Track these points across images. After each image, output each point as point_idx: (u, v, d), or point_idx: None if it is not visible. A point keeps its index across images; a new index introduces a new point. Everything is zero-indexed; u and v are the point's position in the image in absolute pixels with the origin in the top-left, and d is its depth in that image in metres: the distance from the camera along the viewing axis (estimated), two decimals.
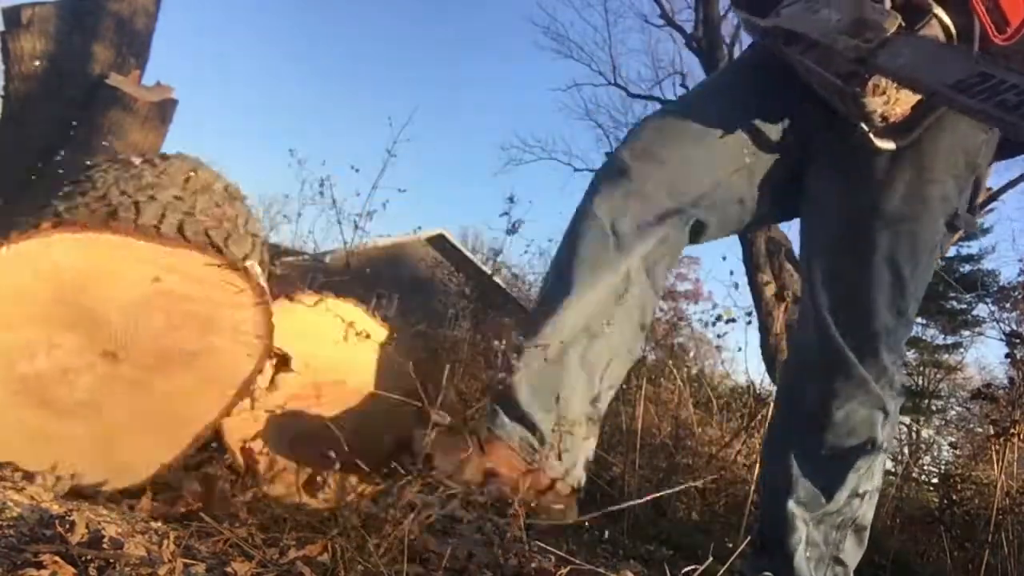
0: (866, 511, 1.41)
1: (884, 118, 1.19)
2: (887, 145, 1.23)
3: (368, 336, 1.63)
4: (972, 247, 20.43)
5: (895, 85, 1.15)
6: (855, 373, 1.33)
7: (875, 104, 1.17)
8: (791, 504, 1.38)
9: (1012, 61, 1.10)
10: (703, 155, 1.38)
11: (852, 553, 1.42)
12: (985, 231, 20.24)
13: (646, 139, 1.42)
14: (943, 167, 1.33)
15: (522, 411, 1.31)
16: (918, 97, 1.18)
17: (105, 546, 0.93)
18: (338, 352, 1.61)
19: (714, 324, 4.45)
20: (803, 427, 1.42)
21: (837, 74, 1.18)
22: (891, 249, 1.33)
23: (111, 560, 0.90)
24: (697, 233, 1.44)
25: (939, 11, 1.12)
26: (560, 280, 1.36)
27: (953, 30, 1.14)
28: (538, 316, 1.36)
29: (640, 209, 1.35)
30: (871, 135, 1.22)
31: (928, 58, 1.06)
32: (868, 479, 1.39)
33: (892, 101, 1.18)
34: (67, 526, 0.94)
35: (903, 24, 1.10)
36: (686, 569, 1.29)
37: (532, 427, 1.31)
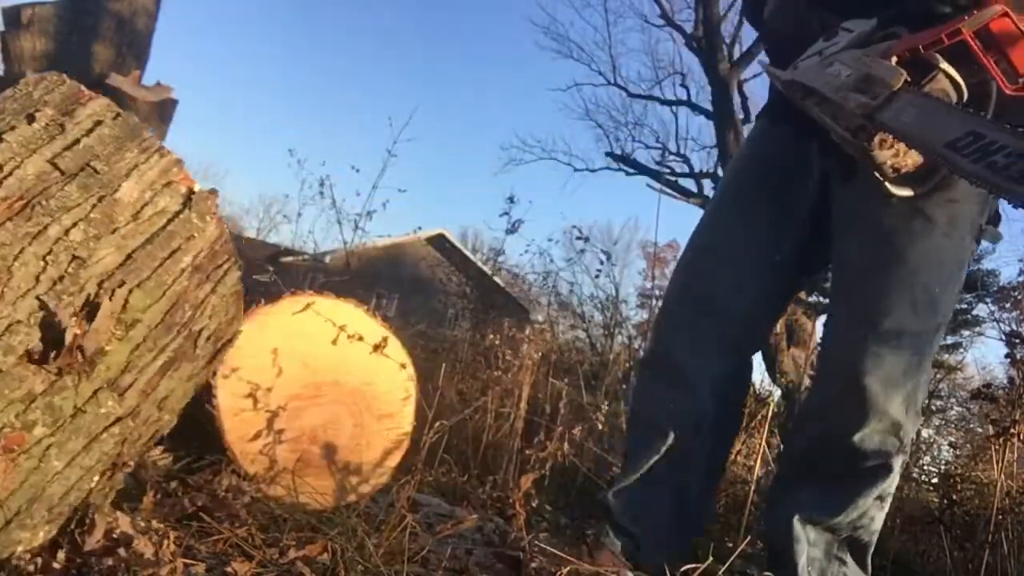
0: (874, 523, 1.40)
1: (895, 169, 1.20)
2: (904, 192, 1.23)
3: (361, 339, 1.63)
4: None
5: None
6: (873, 398, 1.32)
7: (884, 157, 1.18)
8: (796, 521, 1.39)
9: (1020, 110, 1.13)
10: (735, 280, 1.47)
11: (853, 566, 1.42)
12: None
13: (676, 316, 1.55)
14: (968, 187, 1.30)
15: (620, 524, 1.52)
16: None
17: (117, 537, 0.93)
18: (337, 352, 1.61)
19: None
20: (818, 450, 1.41)
21: (847, 128, 1.21)
22: (920, 270, 1.33)
23: (123, 562, 0.91)
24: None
25: (945, 66, 1.13)
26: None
27: (963, 84, 1.15)
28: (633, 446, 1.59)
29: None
30: (886, 184, 1.23)
31: (928, 117, 1.08)
32: (879, 494, 1.38)
33: (902, 154, 1.19)
34: (88, 527, 0.94)
35: (908, 80, 1.12)
36: (685, 568, 1.29)
37: (631, 536, 1.51)
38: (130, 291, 0.94)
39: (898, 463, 1.37)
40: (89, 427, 0.92)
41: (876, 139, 1.17)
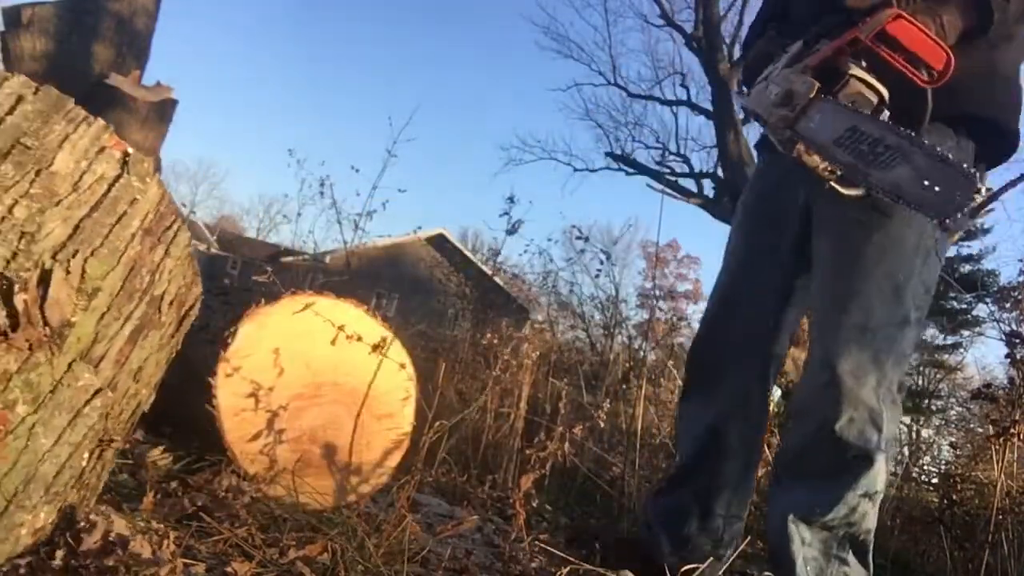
0: (867, 520, 1.42)
1: (830, 172, 1.26)
2: (853, 192, 1.29)
3: (360, 339, 1.63)
4: (972, 247, 20.43)
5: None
6: (846, 386, 1.37)
7: (814, 162, 1.25)
8: (790, 520, 1.41)
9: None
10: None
11: (855, 565, 1.43)
12: (985, 231, 20.27)
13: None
14: None
15: (651, 525, 1.65)
16: None
17: (112, 539, 0.93)
18: (337, 352, 1.61)
19: None
20: (806, 446, 1.45)
21: (779, 141, 1.31)
22: (882, 260, 1.39)
23: (121, 562, 0.91)
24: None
25: (855, 71, 1.22)
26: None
27: (879, 86, 1.22)
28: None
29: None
30: (835, 187, 1.29)
31: (827, 120, 1.19)
32: (866, 489, 1.39)
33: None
34: (87, 527, 0.94)
35: (820, 88, 1.22)
36: (685, 568, 1.29)
37: (658, 537, 1.61)
38: (85, 260, 0.95)
39: (880, 458, 1.39)
40: (70, 401, 0.93)
41: (800, 147, 1.25)
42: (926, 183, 1.10)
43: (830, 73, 1.23)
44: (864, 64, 1.22)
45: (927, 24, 1.21)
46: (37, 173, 0.92)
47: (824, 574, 1.40)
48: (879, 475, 1.40)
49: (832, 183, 1.28)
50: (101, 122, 1.01)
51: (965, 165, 1.12)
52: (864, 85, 1.22)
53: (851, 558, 1.41)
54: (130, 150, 1.03)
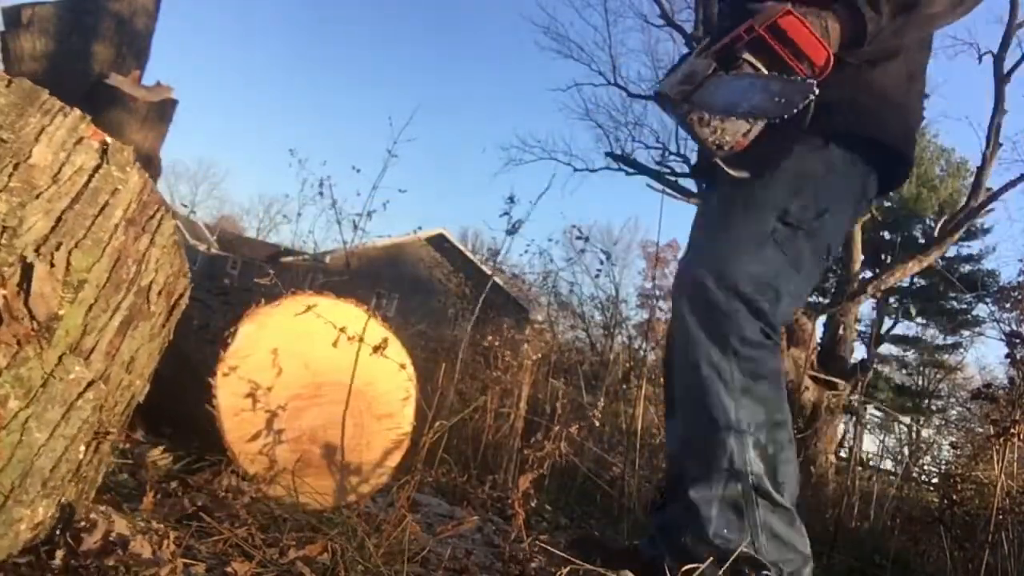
0: (766, 474, 1.44)
1: (718, 145, 1.40)
2: (740, 174, 1.42)
3: (362, 340, 1.62)
4: (972, 247, 20.45)
5: (718, 116, 1.40)
6: (691, 352, 1.45)
7: (704, 133, 1.40)
8: (691, 492, 1.45)
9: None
10: None
11: (780, 525, 1.44)
12: (985, 231, 20.27)
13: None
14: (776, 176, 1.49)
15: (654, 538, 1.67)
16: (743, 126, 1.40)
17: (112, 539, 0.93)
18: (338, 352, 1.61)
19: None
20: (675, 414, 1.54)
21: (678, 116, 1.45)
22: (722, 231, 1.51)
23: (121, 562, 0.91)
24: None
25: (747, 56, 1.36)
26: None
27: (764, 69, 1.35)
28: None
29: None
30: (722, 164, 1.41)
31: (719, 88, 1.37)
32: (740, 451, 1.43)
33: (719, 131, 1.40)
34: (87, 526, 0.94)
35: (716, 68, 1.38)
36: (686, 568, 1.29)
37: (658, 550, 1.63)
38: (69, 252, 0.94)
39: (748, 438, 1.42)
40: (63, 395, 0.93)
41: (694, 117, 1.40)
42: (776, 99, 1.29)
43: (728, 58, 1.38)
44: (761, 58, 1.36)
45: (814, 24, 1.33)
46: (15, 167, 0.91)
47: (745, 521, 1.42)
48: (747, 440, 1.42)
49: (718, 160, 1.41)
50: (77, 112, 1.00)
51: (808, 80, 1.29)
52: (753, 69, 1.36)
53: (763, 501, 1.44)
54: (108, 140, 1.02)
